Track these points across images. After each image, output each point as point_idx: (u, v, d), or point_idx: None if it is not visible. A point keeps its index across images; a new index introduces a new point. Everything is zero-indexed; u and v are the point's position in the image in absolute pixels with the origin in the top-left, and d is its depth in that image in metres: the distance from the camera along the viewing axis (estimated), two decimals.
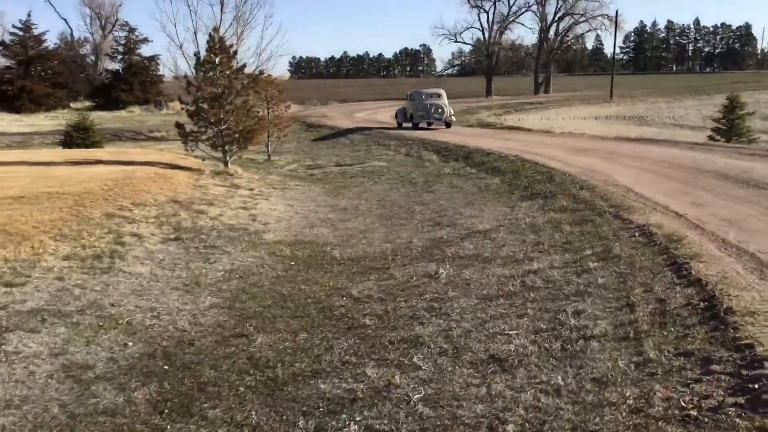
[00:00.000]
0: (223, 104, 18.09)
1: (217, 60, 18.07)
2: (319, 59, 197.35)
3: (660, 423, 4.27)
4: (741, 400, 4.26)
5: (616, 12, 67.09)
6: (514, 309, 6.99)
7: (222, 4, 32.29)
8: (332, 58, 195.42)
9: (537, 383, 5.14)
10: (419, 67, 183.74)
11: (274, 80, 25.70)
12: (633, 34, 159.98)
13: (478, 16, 73.03)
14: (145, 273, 8.69)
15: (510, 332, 6.30)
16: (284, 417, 5.19)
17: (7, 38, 54.11)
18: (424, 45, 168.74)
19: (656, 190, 12.25)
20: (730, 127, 24.86)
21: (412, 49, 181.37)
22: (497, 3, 72.12)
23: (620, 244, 8.67)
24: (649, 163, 16.10)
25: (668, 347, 5.28)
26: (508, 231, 10.78)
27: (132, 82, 54.39)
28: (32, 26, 53.22)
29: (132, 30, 58.23)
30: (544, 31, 74.05)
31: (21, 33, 52.96)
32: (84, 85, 59.66)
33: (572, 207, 11.62)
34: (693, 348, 5.17)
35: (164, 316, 7.41)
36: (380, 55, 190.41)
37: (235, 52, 18.59)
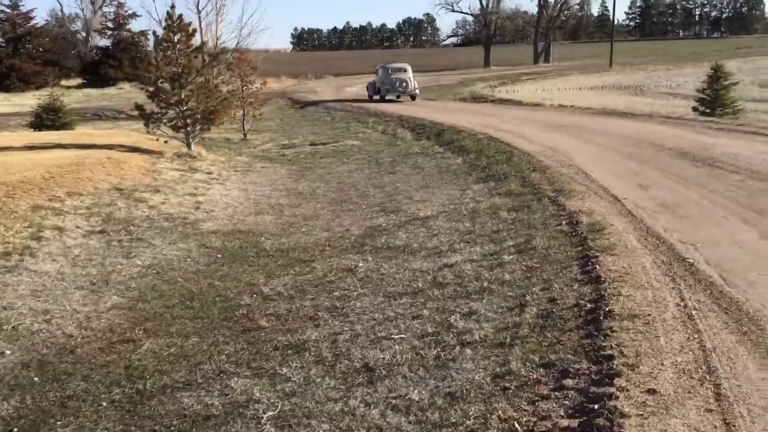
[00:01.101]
0: (184, 84, 17.73)
1: (176, 38, 17.67)
2: (321, 30, 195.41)
3: None
4: (574, 423, 3.96)
5: None
6: (413, 309, 6.69)
7: None
8: (335, 29, 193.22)
9: (393, 398, 4.86)
10: (423, 37, 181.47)
11: (247, 57, 25.20)
12: None
13: None
14: (52, 271, 8.42)
15: (396, 337, 6.01)
16: None
17: None
18: (428, 14, 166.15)
19: (609, 171, 11.87)
20: (714, 98, 24.16)
21: (415, 18, 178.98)
22: None
23: (543, 233, 8.34)
24: (616, 139, 15.67)
25: (535, 357, 4.98)
26: (447, 218, 10.45)
27: (121, 58, 53.78)
28: (20, 3, 52.70)
29: (121, 5, 57.67)
30: None
31: (9, 10, 52.50)
32: (75, 62, 59.16)
33: (518, 191, 11.28)
34: (557, 358, 4.87)
35: (57, 320, 7.15)
36: (383, 25, 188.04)
37: (195, 30, 18.14)
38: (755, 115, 25.32)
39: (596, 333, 5.07)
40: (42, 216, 10.22)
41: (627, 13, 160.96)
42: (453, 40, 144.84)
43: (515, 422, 4.12)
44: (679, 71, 57.43)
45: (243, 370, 5.85)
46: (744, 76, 47.44)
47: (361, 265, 8.50)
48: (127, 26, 57.53)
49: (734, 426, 3.78)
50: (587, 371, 4.55)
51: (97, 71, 54.50)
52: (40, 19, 56.42)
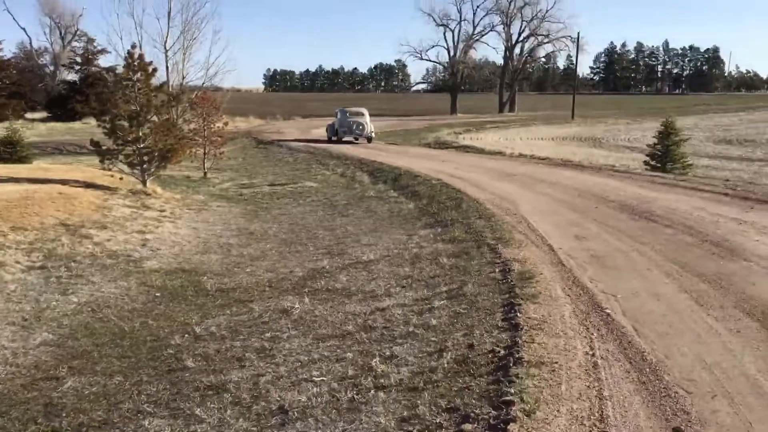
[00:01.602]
0: (142, 122, 17.82)
1: (135, 77, 17.82)
2: (294, 72, 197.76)
3: None
4: None
5: (578, 34, 67.82)
6: (339, 352, 6.80)
7: (169, 16, 31.75)
8: (307, 71, 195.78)
9: None
10: (394, 82, 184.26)
11: (210, 96, 25.44)
12: (603, 54, 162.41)
13: (444, 34, 73.45)
14: None
15: (317, 379, 6.10)
16: None
17: None
18: (399, 61, 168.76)
19: (550, 221, 12.18)
20: (664, 153, 24.95)
21: (386, 64, 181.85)
22: (462, 22, 72.62)
23: (476, 280, 8.53)
24: (563, 190, 16.06)
25: (443, 402, 5.11)
26: (388, 263, 10.61)
27: (88, 93, 53.42)
28: None
29: (90, 41, 57.74)
30: (509, 50, 74.56)
31: None
32: (42, 96, 58.81)
33: (461, 237, 11.50)
34: (462, 403, 5.01)
35: None
36: (355, 69, 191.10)
37: (155, 70, 18.31)
38: (706, 170, 26.19)
39: (503, 379, 5.23)
40: None
41: (592, 68, 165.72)
42: (423, 86, 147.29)
43: None
44: (638, 125, 58.97)
45: (161, 410, 5.88)
46: (700, 133, 49.07)
47: (297, 306, 8.60)
48: (96, 62, 57.57)
49: None
50: (487, 417, 4.70)
51: (64, 105, 54.20)
52: (7, 51, 56.00)
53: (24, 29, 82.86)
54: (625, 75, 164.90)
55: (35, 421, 5.80)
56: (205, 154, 24.36)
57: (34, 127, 48.69)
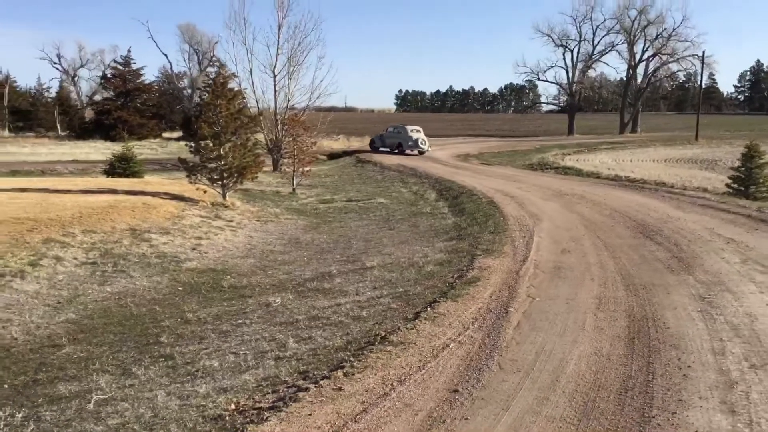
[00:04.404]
0: (223, 142, 19.97)
1: (218, 102, 20.02)
2: (425, 93, 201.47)
3: None
4: (267, 404, 5.25)
5: (703, 53, 65.42)
6: (276, 334, 8.07)
7: (278, 45, 34.49)
8: (437, 92, 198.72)
9: (188, 391, 6.27)
10: (524, 102, 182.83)
11: (299, 119, 27.54)
12: (749, 72, 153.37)
13: (563, 54, 73.01)
14: (30, 290, 10.34)
15: (240, 353, 7.42)
16: None
17: (109, 72, 59.67)
18: (530, 81, 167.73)
19: (554, 236, 12.86)
20: (747, 176, 24.31)
21: (517, 84, 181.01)
22: (582, 42, 71.93)
23: (430, 282, 9.55)
24: (599, 210, 16.47)
25: (303, 367, 6.29)
26: (386, 269, 11.72)
27: None
28: (132, 61, 58.47)
29: (222, 66, 62.56)
30: (631, 69, 72.92)
31: (121, 67, 58.30)
32: (180, 117, 64.41)
33: (461, 249, 12.45)
34: (315, 368, 6.15)
35: (13, 327, 8.96)
36: (485, 90, 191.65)
37: (235, 95, 20.45)
38: None
39: (358, 353, 6.32)
40: (48, 247, 12.28)
41: (736, 86, 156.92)
42: (552, 107, 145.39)
43: (233, 404, 5.48)
44: (766, 148, 55.86)
45: (116, 370, 7.40)
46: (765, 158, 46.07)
47: (278, 301, 9.94)
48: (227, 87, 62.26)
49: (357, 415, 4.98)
50: (318, 376, 5.83)
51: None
52: (150, 75, 62.23)
53: (166, 55, 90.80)
54: None
55: (25, 373, 7.48)
56: (294, 171, 26.39)
57: (168, 146, 53.60)
